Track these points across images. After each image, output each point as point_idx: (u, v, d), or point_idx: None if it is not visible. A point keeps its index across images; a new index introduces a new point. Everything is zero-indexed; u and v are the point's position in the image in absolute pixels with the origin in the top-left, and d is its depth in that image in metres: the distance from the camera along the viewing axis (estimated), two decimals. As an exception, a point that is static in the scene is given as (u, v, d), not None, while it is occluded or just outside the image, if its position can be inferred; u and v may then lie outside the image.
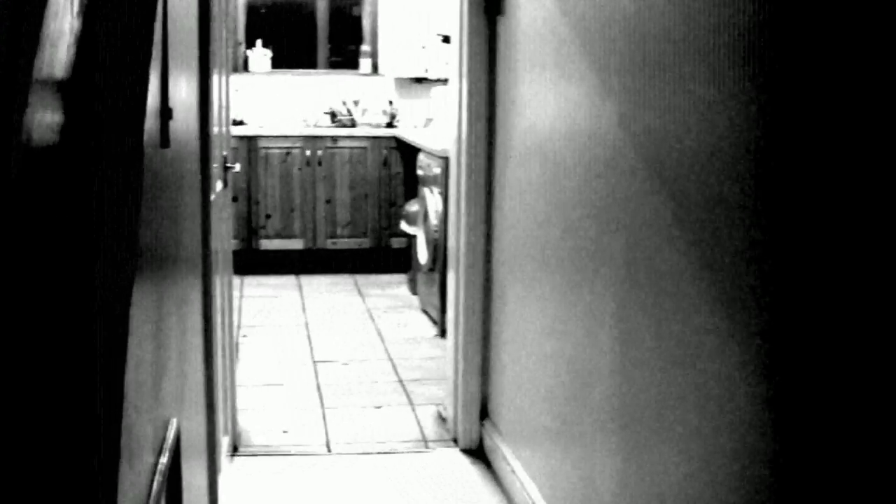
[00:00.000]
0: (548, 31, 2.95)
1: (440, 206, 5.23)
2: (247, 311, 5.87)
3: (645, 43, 2.14)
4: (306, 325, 5.62)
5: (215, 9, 3.17)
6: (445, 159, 4.78)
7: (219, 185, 3.29)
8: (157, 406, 1.53)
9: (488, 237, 3.75)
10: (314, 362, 4.91)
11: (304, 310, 5.96)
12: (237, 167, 3.63)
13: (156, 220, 1.56)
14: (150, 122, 1.49)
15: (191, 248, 2.42)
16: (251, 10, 7.55)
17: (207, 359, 2.79)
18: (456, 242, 3.88)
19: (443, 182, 5.06)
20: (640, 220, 2.19)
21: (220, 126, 3.39)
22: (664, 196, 2.04)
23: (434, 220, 5.37)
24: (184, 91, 2.18)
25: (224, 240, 3.56)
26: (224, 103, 3.52)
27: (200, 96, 2.70)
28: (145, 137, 1.44)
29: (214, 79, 3.15)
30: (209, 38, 2.75)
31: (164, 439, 1.53)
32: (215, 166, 3.23)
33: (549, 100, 2.95)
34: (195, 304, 2.54)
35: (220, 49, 3.46)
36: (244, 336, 5.34)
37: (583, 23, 2.60)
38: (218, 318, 3.26)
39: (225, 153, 3.47)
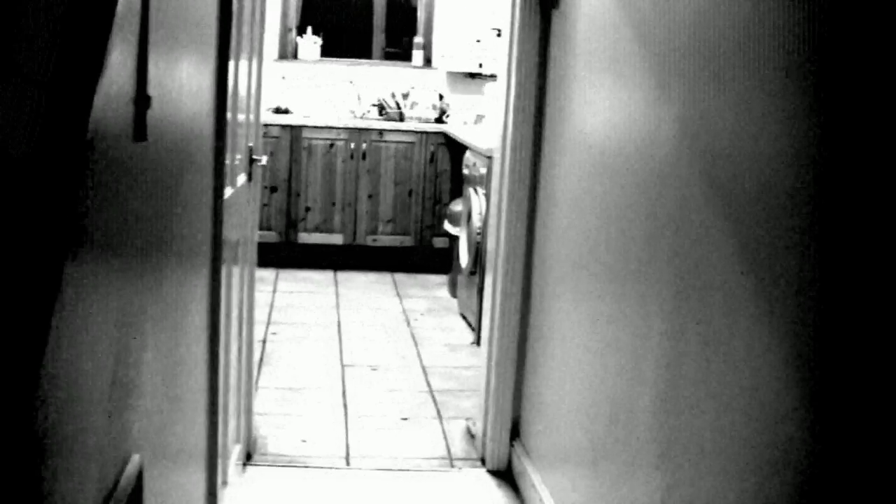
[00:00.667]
0: (605, 29, 2.69)
1: (484, 208, 4.98)
2: (278, 307, 5.68)
3: (708, 50, 1.93)
4: (338, 324, 5.41)
5: (246, -11, 2.96)
6: (491, 158, 4.54)
7: (242, 178, 3.08)
8: (110, 440, 1.31)
9: (530, 243, 3.50)
10: (342, 366, 4.69)
11: (338, 308, 5.75)
12: (264, 160, 3.42)
13: (119, 218, 1.34)
14: (117, 110, 1.27)
15: (193, 244, 2.21)
16: (306, -3, 7.36)
17: (213, 361, 2.58)
18: (495, 246, 3.63)
19: (487, 182, 4.82)
20: (692, 235, 1.99)
21: (247, 115, 3.18)
22: (719, 211, 1.86)
23: (477, 221, 5.13)
24: (187, 77, 1.97)
25: (248, 234, 3.36)
26: (254, 91, 3.31)
27: (218, 83, 2.49)
28: (106, 126, 1.22)
29: (242, 64, 2.95)
30: (230, 21, 2.53)
31: (116, 482, 1.31)
32: (239, 157, 3.02)
33: (604, 102, 2.70)
34: (198, 304, 2.33)
35: (255, 33, 3.25)
36: (273, 333, 5.15)
37: (643, 23, 2.35)
38: (234, 316, 3.06)
39: (251, 144, 3.26)
